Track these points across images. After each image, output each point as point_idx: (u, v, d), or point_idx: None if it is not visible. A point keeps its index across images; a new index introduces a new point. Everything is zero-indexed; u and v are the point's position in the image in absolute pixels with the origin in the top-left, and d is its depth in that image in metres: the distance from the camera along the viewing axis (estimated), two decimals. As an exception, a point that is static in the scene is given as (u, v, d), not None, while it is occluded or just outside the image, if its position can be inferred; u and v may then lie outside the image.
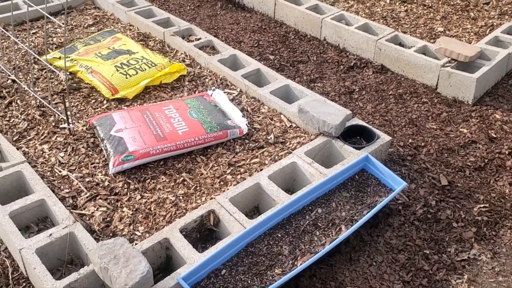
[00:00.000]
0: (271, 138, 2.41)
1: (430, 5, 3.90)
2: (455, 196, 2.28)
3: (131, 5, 3.69)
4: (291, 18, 3.78)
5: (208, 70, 2.98)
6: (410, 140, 2.61)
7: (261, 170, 2.22)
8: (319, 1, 3.81)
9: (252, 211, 2.16)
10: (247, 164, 2.28)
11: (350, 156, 2.25)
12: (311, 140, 2.38)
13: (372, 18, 3.69)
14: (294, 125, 2.51)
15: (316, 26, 3.60)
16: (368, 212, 1.99)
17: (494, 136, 2.62)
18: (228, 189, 2.11)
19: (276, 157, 2.31)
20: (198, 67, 3.03)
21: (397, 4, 3.91)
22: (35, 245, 1.78)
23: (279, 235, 1.89)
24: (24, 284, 1.83)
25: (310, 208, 2.02)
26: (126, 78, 2.78)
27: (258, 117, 2.58)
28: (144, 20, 3.44)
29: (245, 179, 2.17)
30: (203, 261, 1.72)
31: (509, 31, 3.36)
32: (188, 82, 2.89)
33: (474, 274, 1.93)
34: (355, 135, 2.46)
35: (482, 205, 2.22)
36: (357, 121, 2.48)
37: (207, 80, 2.90)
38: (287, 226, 1.93)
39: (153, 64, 2.89)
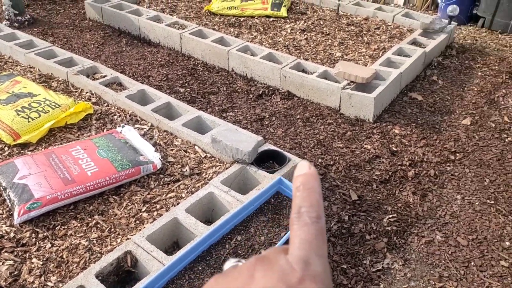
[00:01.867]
0: (186, 170, 2.41)
1: (328, 32, 4.15)
2: (365, 209, 2.40)
3: (30, 47, 3.55)
4: (198, 51, 3.84)
5: (116, 107, 2.93)
6: (320, 160, 2.73)
7: (178, 204, 2.19)
8: (223, 34, 3.91)
9: (172, 247, 2.12)
10: (163, 199, 2.25)
11: (265, 181, 2.31)
12: (227, 168, 2.40)
13: (276, 48, 3.85)
14: (209, 155, 2.53)
15: (223, 58, 3.69)
16: (285, 233, 2.04)
17: (395, 149, 2.82)
18: (144, 227, 2.07)
19: (193, 189, 2.30)
20: (105, 104, 2.97)
21: (298, 33, 4.12)
22: None
23: (200, 268, 1.87)
24: None
25: (229, 236, 2.02)
26: (29, 121, 2.66)
27: (172, 150, 2.57)
28: (45, 61, 3.32)
29: (162, 215, 2.13)
30: (123, 305, 1.65)
31: (399, 53, 3.66)
32: (95, 120, 2.82)
33: (389, 283, 2.03)
34: (268, 160, 2.53)
35: (390, 216, 2.36)
36: (269, 146, 2.55)
37: (115, 117, 2.85)
38: (208, 257, 1.92)
39: (57, 105, 2.79)
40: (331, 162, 2.72)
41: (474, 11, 4.63)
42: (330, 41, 4.00)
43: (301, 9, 4.64)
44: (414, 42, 3.83)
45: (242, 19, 4.37)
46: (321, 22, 4.35)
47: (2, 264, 1.89)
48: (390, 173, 2.64)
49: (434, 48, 3.74)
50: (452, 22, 4.06)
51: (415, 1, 5.09)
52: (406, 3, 5.12)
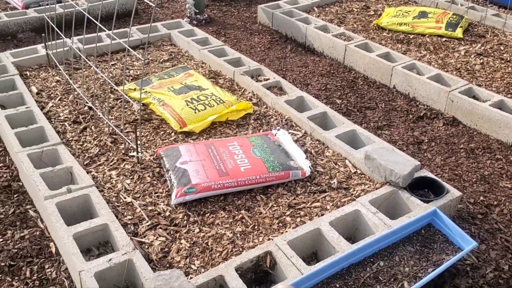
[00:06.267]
0: (334, 182, 2.36)
1: (509, 59, 3.75)
2: (531, 262, 2.10)
3: (205, 44, 3.84)
4: (360, 64, 3.76)
5: (274, 110, 3.00)
6: (482, 198, 2.47)
7: (322, 215, 2.16)
8: (390, 49, 3.78)
9: (310, 257, 2.10)
10: (308, 207, 2.23)
11: (417, 209, 2.15)
12: (376, 188, 2.30)
13: (445, 69, 3.60)
14: (359, 172, 2.45)
15: (386, 74, 3.56)
16: (433, 270, 1.87)
17: None
18: (286, 231, 2.07)
19: (339, 203, 2.24)
20: (265, 106, 3.06)
21: (472, 56, 3.80)
22: (95, 269, 1.81)
23: (337, 286, 1.81)
24: (79, 306, 1.85)
25: (371, 260, 1.93)
26: (195, 112, 2.86)
27: (322, 160, 2.54)
28: (216, 58, 3.55)
29: (305, 222, 2.12)
30: (257, 304, 1.67)
31: None
32: (253, 120, 2.92)
33: None
34: (422, 188, 2.36)
35: (562, 276, 2.03)
36: (425, 173, 2.38)
37: (272, 119, 2.92)
38: (346, 276, 1.85)
39: (221, 101, 2.95)
40: (495, 203, 2.44)
41: None
42: (510, 68, 3.61)
43: (479, 31, 4.27)
44: None
45: (411, 36, 4.18)
46: (502, 48, 3.95)
47: (156, 239, 2.05)
48: None
49: None
50: None
51: None
52: None
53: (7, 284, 1.93)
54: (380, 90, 3.55)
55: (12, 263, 2.02)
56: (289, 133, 2.73)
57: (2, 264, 2.01)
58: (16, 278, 1.96)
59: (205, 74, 3.44)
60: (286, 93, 3.17)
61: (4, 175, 2.52)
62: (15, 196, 2.40)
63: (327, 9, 4.87)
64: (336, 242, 1.96)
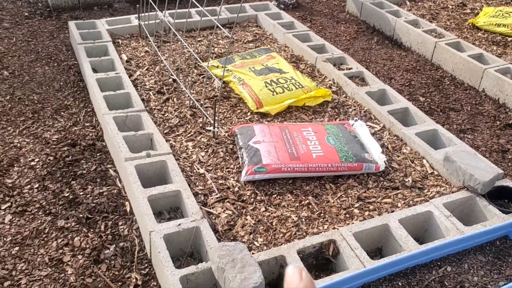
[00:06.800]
0: (408, 181, 2.29)
1: None
2: None
3: (290, 28, 3.83)
4: (449, 63, 3.59)
5: (354, 100, 2.95)
6: None
7: (392, 212, 2.11)
8: (484, 51, 3.57)
9: (374, 252, 2.06)
10: (378, 202, 2.18)
11: (494, 219, 2.04)
12: (452, 192, 2.20)
13: (544, 77, 3.34)
14: (435, 173, 2.36)
15: (476, 76, 3.37)
16: (505, 284, 1.77)
17: None
18: (353, 223, 2.05)
19: (411, 202, 2.18)
20: (344, 95, 3.02)
21: None
22: (164, 231, 1.89)
23: (400, 284, 1.77)
24: (146, 265, 1.95)
25: (438, 263, 1.86)
26: (273, 95, 2.87)
27: (398, 156, 2.47)
28: (299, 43, 3.54)
29: (373, 217, 2.08)
30: (315, 289, 1.67)
31: None
32: (330, 108, 2.89)
33: None
34: (502, 198, 2.23)
35: None
36: (508, 182, 2.24)
37: (350, 109, 2.87)
38: (410, 276, 1.80)
39: (300, 86, 2.95)
40: None
41: None
42: None
43: None
44: None
45: (509, 39, 3.91)
46: None
47: (223, 212, 2.11)
48: None
49: None
50: None
51: None
52: None
53: (83, 235, 2.07)
54: (467, 92, 3.37)
55: (89, 216, 2.16)
56: (366, 125, 2.67)
57: (81, 215, 2.15)
58: (92, 230, 2.09)
59: (287, 58, 3.44)
60: (368, 84, 3.10)
61: (90, 134, 2.69)
62: (97, 154, 2.55)
63: (419, 3, 4.68)
64: (404, 241, 1.91)
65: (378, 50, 3.95)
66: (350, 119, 2.74)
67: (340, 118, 2.80)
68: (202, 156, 2.44)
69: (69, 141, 2.61)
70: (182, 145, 2.51)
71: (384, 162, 2.36)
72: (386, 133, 2.66)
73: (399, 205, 2.16)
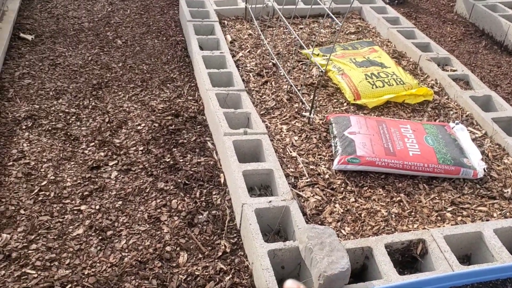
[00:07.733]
0: (508, 192, 2.20)
1: None
2: None
3: (395, 23, 3.75)
4: None
5: (456, 103, 2.85)
6: None
7: (486, 220, 2.04)
8: None
9: (461, 258, 2.01)
10: (472, 209, 2.12)
11: None
12: (557, 210, 2.09)
13: None
14: (538, 188, 2.24)
15: None
16: None
17: None
18: (444, 226, 2.00)
19: (508, 213, 2.09)
20: (446, 97, 2.92)
21: None
22: (256, 205, 1.97)
23: (489, 294, 1.72)
24: (235, 234, 2.05)
25: (533, 280, 1.78)
26: (372, 88, 2.85)
27: (499, 166, 2.37)
28: (403, 39, 3.46)
29: (466, 223, 2.02)
30: (400, 284, 1.67)
31: None
32: (431, 109, 2.82)
33: None
34: None
35: None
36: None
37: (451, 112, 2.78)
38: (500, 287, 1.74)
39: (401, 82, 2.90)
40: None
41: None
42: None
43: None
44: None
45: None
46: None
47: (312, 196, 2.15)
48: None
49: None
50: None
51: None
52: None
53: (180, 198, 2.21)
54: None
55: (187, 182, 2.29)
56: (467, 130, 2.58)
57: (179, 181, 2.30)
58: (188, 195, 2.23)
59: (389, 53, 3.38)
60: (473, 89, 2.97)
61: (192, 108, 2.84)
62: (198, 127, 2.69)
63: (538, 9, 4.36)
64: (498, 251, 1.84)
65: (485, 55, 3.76)
66: (450, 122, 2.66)
67: (440, 120, 2.72)
68: (295, 140, 2.50)
69: (173, 111, 2.77)
70: (276, 127, 2.58)
71: (484, 169, 2.27)
72: (488, 140, 2.55)
73: (495, 215, 2.08)
